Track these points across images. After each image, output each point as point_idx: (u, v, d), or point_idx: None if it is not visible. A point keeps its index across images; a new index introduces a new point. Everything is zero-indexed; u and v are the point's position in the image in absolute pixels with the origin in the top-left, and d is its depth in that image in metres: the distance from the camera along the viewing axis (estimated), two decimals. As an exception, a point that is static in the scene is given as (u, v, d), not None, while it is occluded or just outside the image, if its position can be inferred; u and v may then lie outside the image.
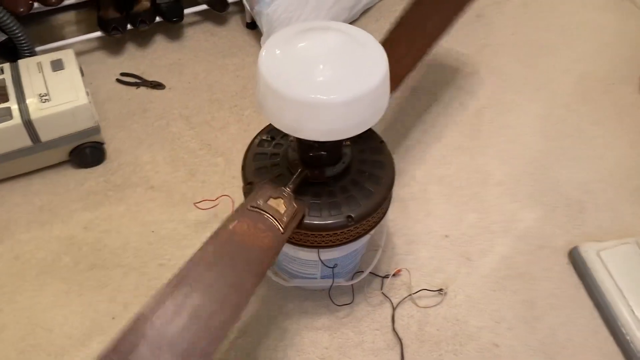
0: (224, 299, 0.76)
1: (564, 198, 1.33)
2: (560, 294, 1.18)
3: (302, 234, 0.95)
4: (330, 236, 0.96)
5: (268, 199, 0.87)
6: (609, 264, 1.17)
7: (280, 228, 0.85)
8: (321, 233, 0.95)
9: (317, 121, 0.82)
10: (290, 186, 0.91)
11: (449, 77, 1.59)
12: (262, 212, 0.85)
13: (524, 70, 1.62)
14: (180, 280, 0.76)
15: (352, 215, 0.93)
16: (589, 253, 1.19)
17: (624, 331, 1.10)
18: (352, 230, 0.96)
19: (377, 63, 0.84)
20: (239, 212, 0.85)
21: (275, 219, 0.85)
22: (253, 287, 0.79)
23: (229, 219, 0.84)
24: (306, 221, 0.93)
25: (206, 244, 0.81)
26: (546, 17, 1.78)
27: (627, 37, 1.71)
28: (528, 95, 1.55)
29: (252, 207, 0.86)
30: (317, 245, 0.98)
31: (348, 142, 1.01)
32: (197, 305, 0.74)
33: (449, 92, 1.55)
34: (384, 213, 1.02)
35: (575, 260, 1.21)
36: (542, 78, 1.59)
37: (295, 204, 0.89)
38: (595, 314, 1.16)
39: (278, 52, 0.84)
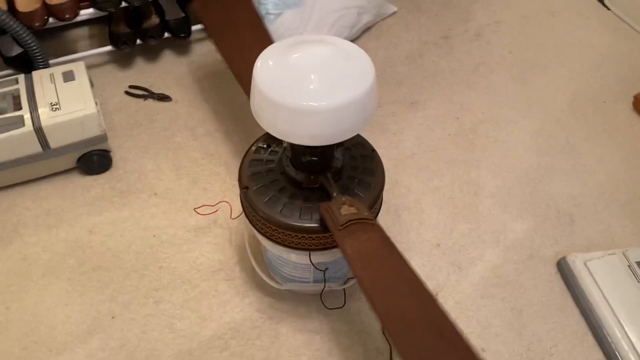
0: (414, 290, 0.86)
1: (555, 210, 1.37)
2: (547, 302, 1.21)
3: (294, 237, 1.00)
4: (320, 239, 1.00)
5: (339, 209, 0.92)
6: (596, 274, 1.20)
7: (370, 221, 0.91)
8: (311, 236, 0.99)
9: (307, 127, 0.87)
10: (335, 191, 0.96)
11: (446, 92, 1.64)
12: (349, 224, 0.90)
13: (518, 87, 1.66)
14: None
15: (342, 219, 0.98)
16: (577, 263, 1.22)
17: (609, 339, 1.12)
18: (342, 234, 1.00)
19: (365, 74, 0.89)
20: (340, 240, 0.90)
21: (360, 219, 0.91)
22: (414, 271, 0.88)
23: (344, 249, 0.89)
24: (297, 224, 0.98)
25: (361, 276, 0.86)
26: (542, 37, 1.83)
27: (621, 57, 1.76)
28: (522, 111, 1.59)
29: (341, 226, 0.90)
30: (308, 248, 1.02)
31: (339, 150, 1.05)
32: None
33: (445, 107, 1.60)
34: (374, 217, 1.06)
35: (563, 269, 1.24)
36: (536, 95, 1.64)
37: (350, 199, 0.95)
38: (581, 322, 1.18)
39: (271, 63, 0.90)
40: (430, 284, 1.23)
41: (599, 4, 1.94)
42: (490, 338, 1.16)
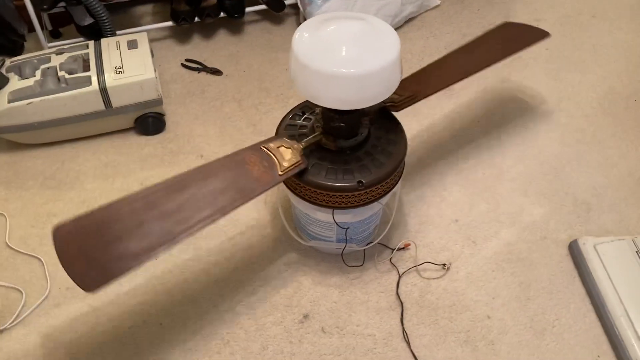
0: (212, 201, 0.96)
1: (573, 198, 1.43)
2: (555, 280, 1.28)
3: (319, 194, 1.11)
4: (343, 198, 1.11)
5: (280, 146, 1.05)
6: (604, 257, 1.26)
7: (279, 170, 1.03)
8: (335, 194, 1.10)
9: (337, 91, 0.98)
10: (303, 143, 1.08)
11: (480, 83, 1.72)
12: (270, 153, 1.03)
13: (552, 82, 1.73)
14: (186, 176, 0.96)
15: (363, 181, 1.09)
16: (587, 245, 1.29)
17: (610, 317, 1.19)
18: (362, 195, 1.11)
19: (391, 47, 0.99)
20: (252, 147, 1.04)
21: (279, 162, 1.03)
22: (236, 204, 0.97)
23: (244, 149, 1.03)
24: (323, 182, 1.09)
25: (218, 159, 1.01)
26: (581, 37, 1.88)
27: (657, 60, 1.79)
28: (552, 104, 1.66)
29: (264, 147, 1.04)
30: (332, 206, 1.13)
31: (367, 120, 1.16)
32: (188, 197, 0.95)
33: (477, 97, 1.68)
34: (394, 184, 1.16)
35: (574, 251, 1.31)
36: (568, 91, 1.70)
37: (300, 158, 1.06)
38: (586, 300, 1.25)
39: (307, 35, 1.01)
40: (445, 255, 1.32)
41: (641, 7, 1.98)
42: (497, 307, 1.24)
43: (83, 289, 0.87)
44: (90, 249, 0.89)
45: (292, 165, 1.05)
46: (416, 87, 1.22)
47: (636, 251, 1.26)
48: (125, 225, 0.91)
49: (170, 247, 0.90)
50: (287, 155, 1.04)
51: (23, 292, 1.25)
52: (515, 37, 1.46)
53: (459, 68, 1.34)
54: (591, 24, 1.93)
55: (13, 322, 1.20)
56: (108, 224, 0.91)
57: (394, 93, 1.19)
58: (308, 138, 1.11)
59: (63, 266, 0.87)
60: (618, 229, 1.37)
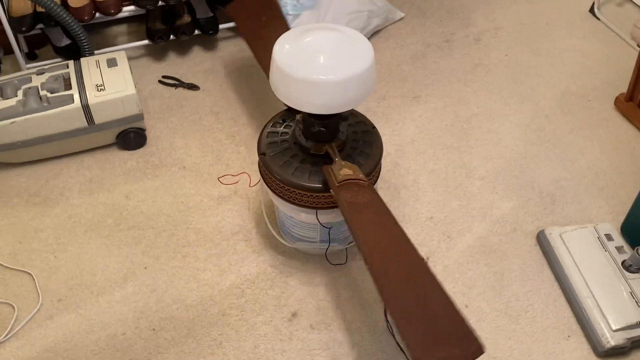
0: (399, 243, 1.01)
1: (538, 192, 1.53)
2: (526, 269, 1.37)
3: (303, 195, 1.17)
4: (326, 198, 1.18)
5: (339, 171, 1.10)
6: (569, 244, 1.35)
7: (364, 182, 1.09)
8: (318, 195, 1.17)
9: (317, 97, 1.05)
10: (337, 157, 1.14)
11: (446, 89, 1.82)
12: (346, 182, 1.08)
13: (512, 86, 1.83)
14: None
15: (344, 181, 1.16)
16: (553, 235, 1.38)
17: (577, 299, 1.28)
18: (344, 194, 1.18)
19: (365, 55, 1.07)
20: (336, 193, 1.07)
21: (357, 179, 1.09)
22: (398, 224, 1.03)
23: (338, 201, 1.06)
24: (306, 184, 1.16)
25: (353, 227, 1.03)
26: (537, 43, 2.00)
27: (607, 62, 1.92)
28: (514, 106, 1.76)
29: (339, 182, 1.08)
30: (316, 207, 1.20)
31: (344, 125, 1.23)
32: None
33: (443, 101, 1.78)
34: (373, 183, 1.23)
35: (541, 240, 1.40)
36: (527, 93, 1.81)
37: (349, 164, 1.13)
38: (555, 285, 1.34)
39: (287, 45, 1.08)
40: (422, 250, 1.39)
41: (590, 15, 2.11)
42: (474, 296, 1.32)
43: None
44: None
45: (360, 172, 1.12)
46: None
47: (598, 237, 1.36)
48: None
49: None
50: (349, 171, 1.11)
51: (15, 306, 1.27)
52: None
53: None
54: (546, 30, 2.05)
55: (6, 336, 1.23)
56: None
57: None
58: (333, 151, 1.16)
59: None
60: (581, 218, 1.47)
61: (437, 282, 0.94)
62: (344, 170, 1.11)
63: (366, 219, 1.05)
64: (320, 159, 1.19)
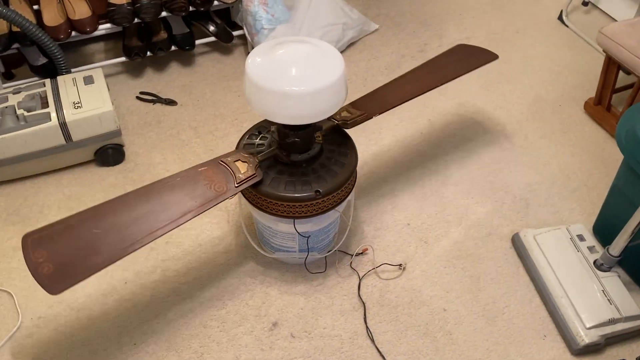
0: (169, 214, 1.04)
1: (512, 196, 1.56)
2: (502, 271, 1.40)
3: (280, 205, 1.19)
4: (303, 207, 1.20)
5: (237, 160, 1.14)
6: (543, 246, 1.38)
7: (235, 183, 1.11)
8: (295, 204, 1.19)
9: (289, 108, 1.08)
10: (259, 156, 1.17)
11: (420, 99, 1.85)
12: (227, 166, 1.11)
13: (485, 93, 1.88)
14: (145, 191, 1.04)
15: (320, 190, 1.18)
16: (527, 237, 1.41)
17: (553, 299, 1.30)
18: (320, 203, 1.20)
19: (336, 67, 1.10)
20: (210, 161, 1.12)
21: (234, 175, 1.11)
22: (192, 214, 1.06)
23: (201, 164, 1.10)
24: (283, 194, 1.17)
25: (176, 174, 1.08)
26: (508, 51, 2.05)
27: (576, 68, 1.97)
28: (487, 114, 1.80)
29: (222, 161, 1.12)
30: (293, 216, 1.21)
31: (319, 135, 1.26)
32: (148, 211, 1.03)
33: (418, 111, 1.81)
34: (348, 192, 1.26)
35: (516, 243, 1.43)
36: (500, 100, 1.85)
37: (256, 171, 1.15)
38: (530, 286, 1.37)
39: (259, 59, 1.11)
40: (401, 256, 1.42)
41: (558, 22, 2.17)
42: (451, 300, 1.34)
43: (49, 291, 0.94)
44: (55, 256, 0.97)
45: (247, 177, 1.13)
46: (368, 106, 1.33)
47: (570, 238, 1.39)
48: (84, 239, 1.00)
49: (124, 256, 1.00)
50: (243, 169, 1.13)
51: (-6, 325, 1.27)
52: (465, 58, 1.58)
53: (412, 89, 1.45)
54: (516, 39, 2.11)
55: (-14, 355, 1.22)
56: (70, 237, 1.00)
57: (346, 111, 1.30)
58: (264, 152, 1.20)
59: (30, 271, 0.95)
60: (554, 219, 1.50)
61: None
62: (240, 163, 1.15)
63: (179, 184, 1.09)
64: (296, 168, 1.21)
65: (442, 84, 1.45)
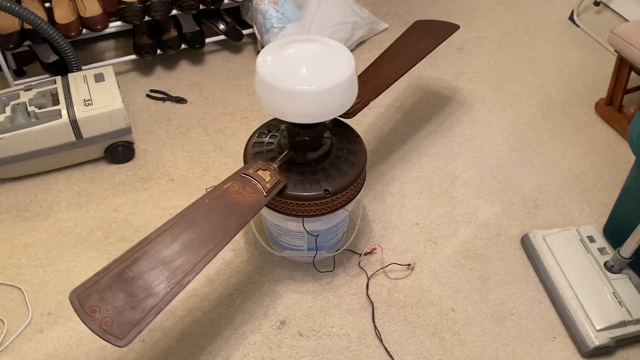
0: (211, 237, 1.01)
1: (521, 196, 1.56)
2: (511, 272, 1.39)
3: (290, 204, 1.19)
4: (312, 206, 1.19)
5: (257, 170, 1.12)
6: (553, 247, 1.38)
7: (264, 192, 1.10)
8: (304, 203, 1.19)
9: (300, 106, 1.07)
10: (277, 162, 1.16)
11: (430, 98, 1.85)
12: (251, 178, 1.11)
13: (494, 93, 1.87)
14: (179, 219, 1.01)
15: (329, 189, 1.18)
16: (537, 238, 1.41)
17: (562, 300, 1.30)
18: (329, 202, 1.20)
19: (346, 65, 1.10)
20: (233, 176, 1.11)
21: (261, 185, 1.10)
22: (234, 232, 1.03)
23: (225, 181, 1.09)
24: (292, 193, 1.17)
25: (204, 196, 1.06)
26: (518, 51, 2.04)
27: (587, 68, 1.96)
28: (496, 113, 1.80)
29: (244, 174, 1.11)
30: (302, 215, 1.21)
31: (328, 134, 1.26)
32: (189, 238, 0.99)
33: (427, 110, 1.81)
34: (357, 191, 1.25)
35: (525, 244, 1.43)
36: (509, 100, 1.84)
37: (279, 176, 1.14)
38: (540, 288, 1.36)
39: (270, 58, 1.11)
40: (409, 256, 1.41)
41: (569, 22, 2.16)
42: (460, 300, 1.33)
43: (118, 345, 0.88)
44: (110, 308, 0.91)
45: (273, 185, 1.12)
46: (360, 93, 1.31)
47: (580, 239, 1.38)
48: (133, 283, 0.94)
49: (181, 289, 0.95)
50: (266, 177, 1.12)
51: (5, 320, 1.28)
52: (430, 32, 1.59)
53: (394, 68, 1.46)
54: (526, 39, 2.09)
55: (-3, 350, 1.23)
56: (118, 285, 0.93)
57: None
58: (280, 157, 1.19)
59: (90, 328, 0.89)
60: (563, 220, 1.49)
61: None
62: (261, 172, 1.13)
63: (211, 206, 1.05)
64: (305, 167, 1.21)
65: (419, 60, 1.49)
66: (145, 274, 0.94)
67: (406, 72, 1.44)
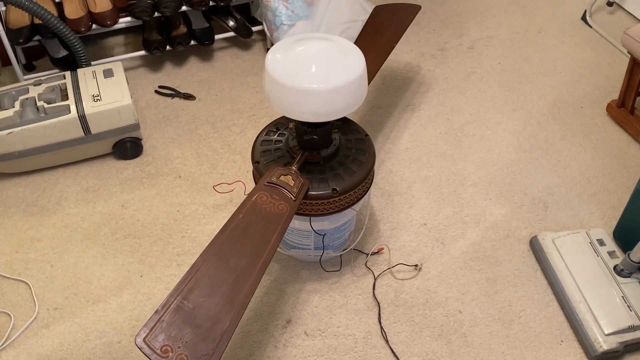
0: (255, 253, 0.99)
1: (531, 198, 1.54)
2: (519, 274, 1.38)
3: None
4: (319, 205, 1.19)
5: (280, 176, 1.12)
6: (562, 249, 1.36)
7: (292, 197, 1.09)
8: (312, 202, 1.18)
9: (309, 105, 1.07)
10: (296, 165, 1.15)
11: (439, 97, 1.84)
12: (276, 186, 1.10)
13: (505, 93, 1.85)
14: (219, 239, 1.00)
15: (337, 189, 1.17)
16: (546, 240, 1.39)
17: (571, 304, 1.29)
18: (337, 202, 1.19)
19: (356, 64, 1.09)
20: (257, 188, 1.09)
21: (287, 191, 1.10)
22: (276, 243, 1.02)
23: (250, 194, 1.08)
24: (300, 191, 1.17)
25: (236, 213, 1.04)
26: (529, 51, 2.02)
27: (599, 69, 1.94)
28: (507, 114, 1.78)
29: (268, 182, 1.10)
30: (309, 214, 1.21)
31: (336, 131, 1.25)
32: (235, 257, 0.98)
33: (437, 109, 1.79)
34: (365, 191, 1.25)
35: (534, 246, 1.41)
36: (520, 100, 1.83)
37: (301, 178, 1.13)
38: (548, 291, 1.35)
39: (279, 55, 1.10)
40: (417, 256, 1.41)
41: (582, 22, 2.14)
42: (467, 302, 1.33)
43: None
44: (182, 344, 0.88)
45: (299, 189, 1.12)
46: None
47: (590, 242, 1.37)
48: (196, 314, 0.91)
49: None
50: (291, 182, 1.11)
51: (11, 315, 1.28)
52: (394, 16, 1.58)
53: (373, 56, 1.45)
54: (538, 39, 2.08)
55: (3, 344, 1.23)
56: (180, 319, 0.90)
57: None
58: (297, 159, 1.18)
59: None
60: (573, 223, 1.48)
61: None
62: (284, 177, 1.12)
63: (246, 221, 1.03)
64: (313, 166, 1.21)
65: (394, 46, 1.52)
66: (205, 302, 0.92)
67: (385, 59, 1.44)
